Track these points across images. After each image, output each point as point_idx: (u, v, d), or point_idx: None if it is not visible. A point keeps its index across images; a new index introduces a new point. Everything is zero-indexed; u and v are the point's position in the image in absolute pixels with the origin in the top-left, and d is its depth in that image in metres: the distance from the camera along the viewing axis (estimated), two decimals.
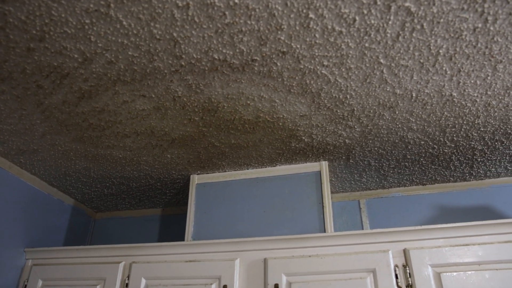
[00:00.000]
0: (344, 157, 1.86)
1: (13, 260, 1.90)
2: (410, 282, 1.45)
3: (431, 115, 1.53)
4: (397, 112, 1.51)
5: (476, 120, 1.57)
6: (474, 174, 2.05)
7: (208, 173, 2.04)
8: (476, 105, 1.47)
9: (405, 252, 1.51)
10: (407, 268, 1.48)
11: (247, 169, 1.98)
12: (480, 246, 1.47)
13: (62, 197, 2.31)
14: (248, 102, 1.45)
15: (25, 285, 1.86)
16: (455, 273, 1.43)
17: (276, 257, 1.61)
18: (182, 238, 2.25)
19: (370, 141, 1.72)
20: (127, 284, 1.71)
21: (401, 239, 1.54)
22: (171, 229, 2.43)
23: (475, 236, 1.49)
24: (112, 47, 1.16)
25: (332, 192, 2.24)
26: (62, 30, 1.09)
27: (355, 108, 1.48)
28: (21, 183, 2.00)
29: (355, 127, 1.61)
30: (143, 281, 1.69)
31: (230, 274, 1.60)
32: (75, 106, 1.48)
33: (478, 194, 2.12)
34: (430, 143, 1.74)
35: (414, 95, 1.40)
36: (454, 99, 1.43)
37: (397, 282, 1.46)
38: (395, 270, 1.48)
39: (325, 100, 1.43)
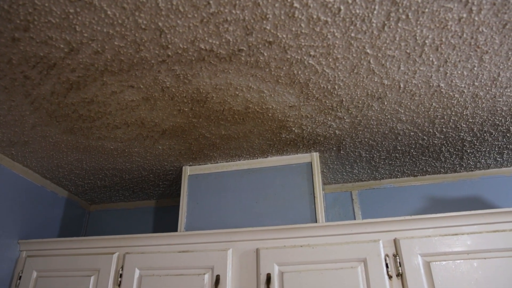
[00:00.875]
0: (335, 148, 1.87)
1: (7, 252, 1.91)
2: (400, 271, 1.47)
3: (420, 106, 1.53)
4: (385, 103, 1.51)
5: (465, 111, 1.58)
6: (464, 165, 2.06)
7: (200, 165, 2.04)
8: (464, 96, 1.48)
9: (395, 241, 1.52)
10: (397, 257, 1.49)
11: (239, 160, 1.99)
12: (468, 236, 1.48)
13: (55, 189, 2.31)
14: (237, 92, 1.45)
15: (20, 277, 1.87)
16: (444, 262, 1.45)
17: (268, 247, 1.62)
18: (175, 229, 2.26)
19: (360, 132, 1.73)
20: (121, 275, 1.72)
21: (392, 229, 1.55)
22: (165, 221, 2.44)
23: (464, 226, 1.51)
24: (97, 37, 1.16)
25: (324, 184, 2.25)
26: (47, 20, 1.09)
27: (343, 99, 1.49)
28: (13, 176, 2.01)
29: (345, 118, 1.62)
30: (137, 272, 1.70)
31: (223, 264, 1.62)
32: (64, 97, 1.48)
33: (468, 185, 2.14)
34: (420, 134, 1.75)
35: (402, 85, 1.41)
36: (442, 90, 1.44)
37: (387, 271, 1.48)
38: (385, 260, 1.50)
39: (314, 91, 1.44)
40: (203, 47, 1.21)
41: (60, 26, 1.12)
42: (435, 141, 1.81)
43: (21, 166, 2.04)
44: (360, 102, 1.51)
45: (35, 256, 1.91)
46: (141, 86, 1.42)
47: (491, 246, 1.45)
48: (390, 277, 1.47)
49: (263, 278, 1.55)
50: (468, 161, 2.02)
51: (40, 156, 1.94)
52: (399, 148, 1.87)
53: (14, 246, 1.95)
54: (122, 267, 1.73)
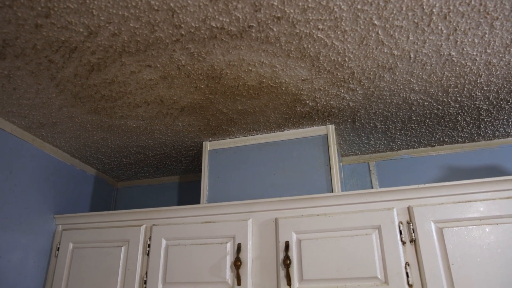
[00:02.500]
0: (350, 120, 1.90)
1: (45, 226, 2.05)
2: (414, 237, 1.51)
3: (432, 75, 1.54)
4: (397, 74, 1.53)
5: (478, 79, 1.57)
6: (482, 134, 2.05)
7: (219, 140, 2.11)
8: (476, 64, 1.47)
9: (409, 209, 1.56)
10: (411, 224, 1.53)
11: (256, 134, 2.05)
12: (481, 202, 1.50)
13: (84, 168, 2.44)
14: (250, 68, 1.49)
15: (58, 248, 2.01)
16: (456, 228, 1.48)
17: (286, 216, 1.69)
18: (198, 202, 2.36)
19: (374, 104, 1.75)
20: (149, 245, 1.83)
21: (405, 197, 1.59)
22: (188, 195, 2.54)
23: (477, 193, 1.53)
24: (114, 19, 1.22)
25: (342, 156, 2.29)
26: (65, 6, 1.15)
27: (355, 71, 1.51)
28: (45, 155, 2.13)
29: (357, 89, 1.64)
30: (164, 242, 1.81)
31: (244, 233, 1.70)
32: (86, 79, 1.56)
33: (486, 154, 2.13)
34: (434, 104, 1.75)
35: (412, 55, 1.42)
36: (454, 59, 1.44)
37: (401, 238, 1.52)
38: (399, 226, 1.54)
39: (324, 64, 1.47)
40: (214, 25, 1.26)
41: (78, 11, 1.18)
42: (450, 111, 1.81)
43: (51, 147, 2.16)
44: (372, 73, 1.53)
45: (70, 229, 2.05)
46: (158, 65, 1.48)
47: (504, 212, 1.47)
48: (403, 243, 1.52)
49: (282, 246, 1.62)
50: (486, 130, 2.01)
51: (68, 136, 2.05)
52: (414, 118, 1.88)
53: (51, 221, 2.09)
54: (150, 238, 1.84)
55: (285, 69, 1.50)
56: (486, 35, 1.32)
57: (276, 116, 1.87)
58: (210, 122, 1.92)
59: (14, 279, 1.85)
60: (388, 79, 1.56)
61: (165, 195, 2.61)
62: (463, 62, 1.46)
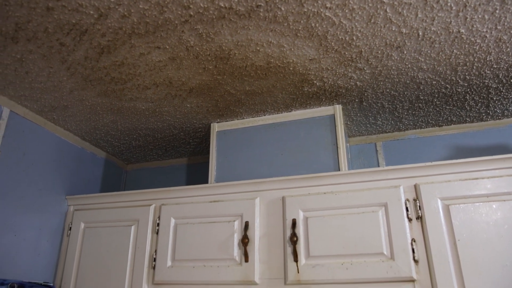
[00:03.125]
0: (357, 100, 1.91)
1: (57, 207, 2.10)
2: (420, 214, 1.53)
3: (440, 53, 1.54)
4: (405, 52, 1.53)
5: (488, 57, 1.57)
6: (490, 113, 2.05)
7: (227, 121, 2.14)
8: (486, 41, 1.47)
9: (415, 187, 1.58)
10: (417, 201, 1.55)
11: (264, 115, 2.06)
12: (489, 180, 1.51)
13: (94, 151, 2.48)
14: (258, 48, 1.50)
15: (70, 228, 2.07)
16: (463, 205, 1.50)
17: (293, 195, 1.72)
18: (207, 183, 2.39)
19: (381, 83, 1.75)
20: (158, 224, 1.87)
21: (412, 175, 1.60)
22: (197, 177, 2.58)
23: (484, 171, 1.54)
24: (123, 1, 1.23)
25: (349, 136, 2.30)
26: None
27: (362, 50, 1.51)
28: (56, 138, 2.17)
29: (365, 69, 1.64)
30: (173, 221, 1.85)
31: (251, 212, 1.73)
32: (96, 61, 1.58)
33: (495, 133, 2.13)
34: (442, 83, 1.75)
35: (420, 33, 1.42)
36: (463, 36, 1.43)
37: (407, 215, 1.55)
38: (405, 204, 1.56)
39: (332, 43, 1.47)
40: (222, 5, 1.26)
41: None
42: (459, 89, 1.81)
43: (62, 130, 2.20)
44: (379, 52, 1.53)
45: (82, 210, 2.10)
46: (167, 47, 1.49)
47: (511, 188, 1.48)
48: (410, 220, 1.54)
49: (289, 223, 1.66)
50: (495, 109, 2.01)
51: (79, 119, 2.08)
52: (422, 97, 1.88)
53: (63, 202, 2.14)
54: (159, 217, 1.88)
55: (292, 49, 1.51)
56: (497, 11, 1.31)
57: (284, 97, 1.88)
58: (218, 103, 1.94)
59: (29, 257, 1.90)
60: (396, 57, 1.56)
61: (173, 177, 2.65)
62: (472, 39, 1.45)
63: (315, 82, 1.75)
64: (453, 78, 1.71)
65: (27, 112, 1.97)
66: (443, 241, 1.48)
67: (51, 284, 1.92)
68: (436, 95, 1.86)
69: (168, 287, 1.77)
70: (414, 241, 1.51)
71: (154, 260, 1.82)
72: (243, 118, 2.10)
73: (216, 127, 2.15)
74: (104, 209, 2.04)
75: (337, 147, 1.89)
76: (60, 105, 1.93)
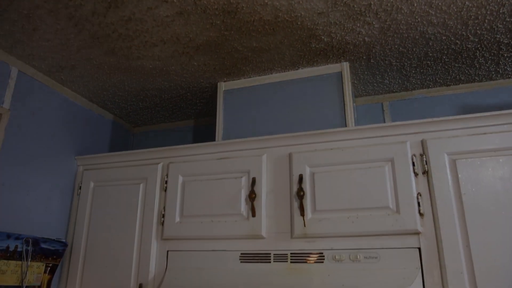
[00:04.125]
0: (364, 57, 1.89)
1: (67, 167, 2.14)
2: (426, 169, 1.54)
3: (451, 6, 1.51)
4: (415, 5, 1.50)
5: (501, 9, 1.53)
6: (500, 72, 2.03)
7: (234, 80, 2.13)
8: None
9: (422, 142, 1.58)
10: (424, 156, 1.56)
11: (271, 73, 2.06)
12: (497, 134, 1.51)
13: (102, 113, 2.50)
14: (266, 1, 1.48)
15: (80, 187, 2.11)
16: (470, 159, 1.51)
17: (300, 151, 1.73)
18: None
19: (390, 38, 1.73)
20: (166, 181, 1.91)
21: (419, 131, 1.61)
22: (204, 138, 2.60)
23: (493, 126, 1.53)
24: None
25: (356, 96, 2.29)
26: None
27: (371, 2, 1.49)
28: (65, 100, 2.19)
29: (373, 23, 1.62)
30: (180, 178, 1.88)
31: (258, 168, 1.76)
32: (103, 17, 1.57)
33: (504, 93, 2.11)
34: (452, 38, 1.73)
35: None
36: None
37: (413, 169, 1.56)
38: (412, 159, 1.57)
39: None
40: None
41: None
42: (469, 45, 1.79)
43: (70, 91, 2.21)
44: (389, 4, 1.50)
45: (91, 169, 2.13)
46: (174, 0, 1.48)
47: None
48: (416, 174, 1.56)
49: (295, 179, 1.68)
50: (505, 67, 1.98)
51: (86, 80, 2.09)
52: (431, 54, 1.86)
53: (72, 162, 2.18)
54: (167, 175, 1.92)
55: (301, 2, 1.49)
56: None
57: (291, 54, 1.87)
58: (225, 61, 1.93)
59: (41, 215, 1.96)
60: (405, 11, 1.54)
61: (180, 138, 2.67)
62: None
63: (322, 37, 1.73)
64: (463, 33, 1.69)
65: (35, 73, 1.98)
66: (448, 195, 1.49)
67: (64, 240, 1.98)
68: (445, 52, 1.84)
69: (176, 242, 1.82)
70: (420, 195, 1.53)
71: (163, 216, 1.86)
72: (250, 77, 2.10)
73: (223, 86, 2.15)
74: (113, 168, 2.07)
75: (344, 104, 1.89)
76: (68, 64, 1.94)
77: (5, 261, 1.67)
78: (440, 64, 1.95)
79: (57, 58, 1.87)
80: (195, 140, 2.62)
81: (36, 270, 1.81)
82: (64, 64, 1.93)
